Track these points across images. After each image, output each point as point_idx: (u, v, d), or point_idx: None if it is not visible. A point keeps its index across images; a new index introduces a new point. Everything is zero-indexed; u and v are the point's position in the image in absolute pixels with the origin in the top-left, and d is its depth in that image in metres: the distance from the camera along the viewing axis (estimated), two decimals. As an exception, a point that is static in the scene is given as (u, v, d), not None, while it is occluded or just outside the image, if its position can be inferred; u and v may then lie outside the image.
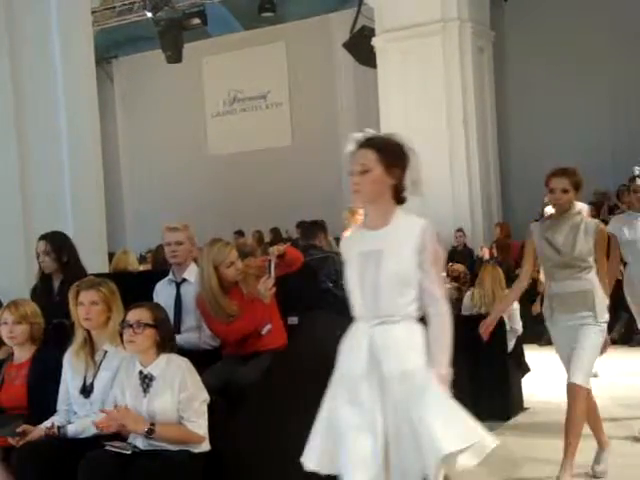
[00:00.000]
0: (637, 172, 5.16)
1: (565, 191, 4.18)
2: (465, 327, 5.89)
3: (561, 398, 6.24)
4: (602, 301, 4.18)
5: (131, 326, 3.32)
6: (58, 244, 4.62)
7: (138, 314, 3.34)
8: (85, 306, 3.57)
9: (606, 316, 4.20)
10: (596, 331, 4.15)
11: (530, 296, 9.19)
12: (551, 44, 12.36)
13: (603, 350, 4.26)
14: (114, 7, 14.09)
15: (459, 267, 7.68)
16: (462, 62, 11.81)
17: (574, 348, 4.17)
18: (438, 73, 11.74)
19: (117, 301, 3.62)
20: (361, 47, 12.54)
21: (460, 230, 11.60)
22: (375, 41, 12.29)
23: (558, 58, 12.28)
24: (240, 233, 13.64)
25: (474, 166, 12.03)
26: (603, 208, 11.79)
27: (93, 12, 10.35)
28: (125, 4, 14.14)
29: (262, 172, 14.89)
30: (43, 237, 4.66)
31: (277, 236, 12.89)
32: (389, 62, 12.07)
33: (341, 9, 14.28)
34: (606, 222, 11.43)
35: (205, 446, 3.40)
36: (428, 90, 11.69)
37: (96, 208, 6.51)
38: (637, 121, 12.08)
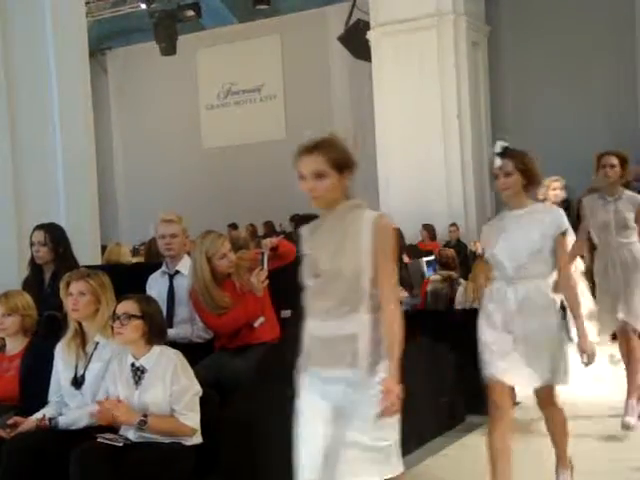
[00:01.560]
0: (498, 149, 3.96)
1: None
2: (457, 321, 5.92)
3: (553, 392, 6.26)
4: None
5: (119, 318, 3.32)
6: (56, 235, 4.62)
7: (125, 306, 3.35)
8: (73, 297, 3.57)
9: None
10: None
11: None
12: (546, 39, 12.36)
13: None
14: (108, -2, 14.04)
15: (449, 252, 7.66)
16: (457, 56, 11.80)
17: None
18: (432, 67, 11.73)
19: (107, 293, 3.61)
20: (356, 40, 12.52)
21: (454, 225, 11.61)
22: (370, 34, 12.28)
23: (553, 53, 12.29)
24: (234, 226, 13.63)
25: (468, 160, 12.04)
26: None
27: (87, 3, 10.31)
28: (119, -5, 14.09)
29: (256, 165, 14.87)
30: (40, 227, 4.66)
31: (270, 229, 12.88)
32: (384, 56, 12.05)
33: (336, 2, 14.25)
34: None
35: (197, 438, 3.40)
36: (422, 84, 11.68)
37: (89, 200, 6.49)
38: (632, 116, 12.11)
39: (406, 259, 9.31)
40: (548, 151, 12.51)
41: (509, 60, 12.88)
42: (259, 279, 3.87)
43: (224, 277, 3.99)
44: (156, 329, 3.40)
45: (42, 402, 3.67)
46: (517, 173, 3.77)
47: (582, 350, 3.52)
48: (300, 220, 5.81)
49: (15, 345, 3.92)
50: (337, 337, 2.59)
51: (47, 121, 6.18)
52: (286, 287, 4.28)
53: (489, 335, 3.68)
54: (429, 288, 6.76)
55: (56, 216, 5.60)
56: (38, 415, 3.56)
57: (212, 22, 15.20)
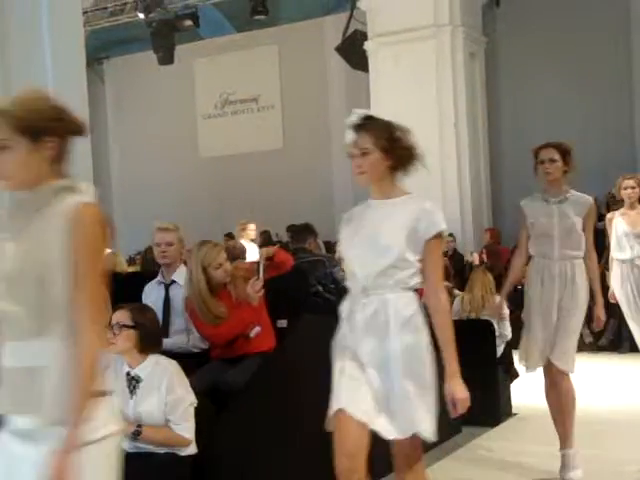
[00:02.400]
0: (353, 119, 2.88)
1: None
2: (454, 332, 5.91)
3: (549, 404, 6.25)
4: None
5: (112, 328, 3.32)
6: None
7: (118, 316, 3.34)
8: None
9: None
10: None
11: (519, 303, 9.26)
12: (543, 50, 12.41)
13: None
14: (106, 8, 14.05)
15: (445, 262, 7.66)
16: (454, 67, 11.83)
17: None
18: (430, 78, 11.76)
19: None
20: (353, 51, 12.55)
21: (450, 235, 11.61)
22: (367, 45, 12.31)
23: (550, 64, 12.33)
24: (230, 236, 13.60)
25: (465, 171, 12.05)
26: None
27: (84, 13, 10.32)
28: (117, 5, 14.10)
29: (253, 175, 14.88)
30: None
31: (267, 239, 12.86)
32: (381, 66, 12.08)
33: (334, 13, 14.29)
34: (595, 229, 11.45)
35: (192, 449, 3.38)
36: (420, 95, 11.70)
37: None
38: (629, 128, 12.15)
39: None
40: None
41: (506, 71, 12.93)
42: (255, 289, 3.86)
43: (220, 287, 3.98)
44: (150, 339, 3.38)
45: None
46: (377, 151, 2.80)
47: (451, 401, 2.87)
48: (296, 230, 5.80)
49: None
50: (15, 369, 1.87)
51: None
52: (282, 297, 4.29)
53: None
54: (422, 300, 6.74)
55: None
56: None
57: (210, 32, 15.23)
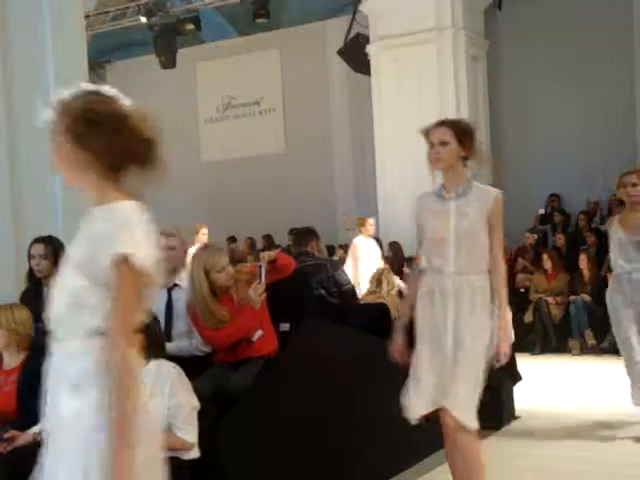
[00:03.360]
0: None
1: None
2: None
3: (553, 407, 6.25)
4: None
5: None
6: (56, 248, 4.59)
7: None
8: None
9: None
10: None
11: (522, 305, 9.25)
12: (545, 53, 12.41)
13: None
14: (108, 12, 14.06)
15: None
16: (456, 70, 11.83)
17: None
18: (432, 81, 11.75)
19: None
20: (355, 54, 12.56)
21: (453, 238, 11.61)
22: (369, 48, 12.31)
23: (552, 67, 12.33)
24: (233, 239, 13.62)
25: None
26: (595, 217, 11.84)
27: (86, 16, 10.33)
28: (119, 9, 14.11)
29: (255, 178, 14.87)
30: (40, 240, 4.62)
31: (270, 242, 12.87)
32: (383, 70, 12.08)
33: (336, 16, 14.30)
34: (598, 231, 11.45)
35: (195, 453, 3.37)
36: (422, 98, 11.70)
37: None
38: (631, 131, 12.14)
39: (407, 271, 9.33)
40: (548, 164, 12.62)
41: (508, 74, 12.92)
42: (257, 292, 3.86)
43: (222, 291, 3.98)
44: (153, 343, 3.37)
45: (39, 416, 3.64)
46: (85, 152, 2.02)
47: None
48: (298, 233, 5.80)
49: (12, 360, 3.89)
50: None
51: (46, 134, 6.16)
52: (285, 300, 4.29)
53: None
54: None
55: (54, 229, 5.58)
56: (35, 429, 3.53)
57: (212, 36, 15.25)
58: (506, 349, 3.36)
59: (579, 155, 12.11)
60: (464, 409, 3.39)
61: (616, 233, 5.16)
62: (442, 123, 3.55)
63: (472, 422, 3.41)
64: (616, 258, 5.15)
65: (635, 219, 5.08)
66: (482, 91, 12.50)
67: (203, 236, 9.19)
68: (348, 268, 8.32)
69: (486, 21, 12.68)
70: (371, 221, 9.27)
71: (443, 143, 3.42)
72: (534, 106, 12.62)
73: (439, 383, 3.38)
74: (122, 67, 16.71)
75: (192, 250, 8.66)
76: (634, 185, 4.98)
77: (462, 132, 3.46)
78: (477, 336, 3.33)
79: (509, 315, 3.46)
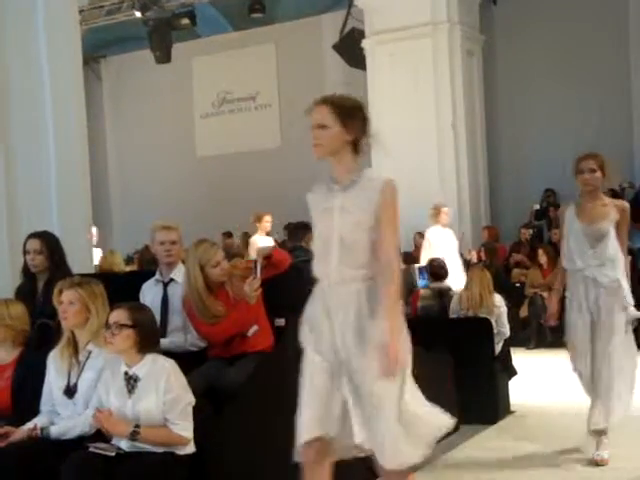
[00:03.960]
0: None
1: None
2: (452, 329, 5.92)
3: (548, 402, 6.27)
4: None
5: (110, 327, 3.31)
6: (51, 243, 4.59)
7: (117, 315, 3.33)
8: (63, 305, 3.56)
9: None
10: None
11: (517, 300, 9.27)
12: (540, 48, 12.41)
13: None
14: (102, 6, 14.01)
15: (439, 261, 7.59)
16: (451, 65, 11.83)
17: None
18: (427, 76, 11.75)
19: (97, 302, 3.58)
20: (351, 49, 12.55)
21: (448, 233, 11.61)
22: (365, 43, 12.30)
23: (547, 62, 12.33)
24: (228, 234, 13.60)
25: (463, 169, 12.05)
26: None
27: (81, 11, 10.30)
28: (114, 3, 14.07)
29: (251, 173, 14.86)
30: (35, 235, 4.62)
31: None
32: (378, 64, 12.07)
33: (331, 11, 14.28)
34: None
35: (190, 448, 3.37)
36: (417, 93, 11.70)
37: (83, 208, 6.47)
38: (626, 124, 12.15)
39: (402, 266, 9.33)
40: (543, 159, 12.63)
41: (504, 69, 12.92)
42: (252, 288, 3.86)
43: (217, 286, 3.98)
44: (148, 338, 3.38)
45: (34, 412, 3.64)
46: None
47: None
48: (293, 228, 5.80)
49: (7, 355, 3.89)
50: None
51: (40, 129, 6.16)
52: (280, 295, 4.28)
53: None
54: (420, 304, 6.71)
55: (49, 224, 5.58)
56: (29, 425, 3.53)
57: (207, 30, 15.21)
58: (390, 364, 2.67)
59: (574, 150, 12.06)
60: (388, 452, 2.74)
61: (572, 224, 4.54)
62: (323, 102, 2.97)
63: (400, 460, 2.76)
64: (572, 253, 4.52)
65: (593, 210, 4.49)
66: (477, 86, 12.50)
67: (267, 224, 9.01)
68: (424, 259, 8.19)
69: (481, 16, 12.67)
70: (446, 209, 9.02)
71: (322, 126, 2.91)
72: (529, 101, 12.62)
73: (334, 418, 2.76)
74: (117, 62, 16.66)
75: (255, 238, 8.58)
76: (592, 171, 4.44)
77: (346, 111, 2.87)
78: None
79: (399, 321, 2.79)
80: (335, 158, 2.91)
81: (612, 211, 4.47)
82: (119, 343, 3.31)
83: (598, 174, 4.47)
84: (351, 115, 2.88)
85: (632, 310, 4.50)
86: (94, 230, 9.03)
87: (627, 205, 4.59)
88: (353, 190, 2.83)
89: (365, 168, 2.95)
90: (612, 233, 4.44)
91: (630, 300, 4.49)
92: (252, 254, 8.42)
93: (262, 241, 8.76)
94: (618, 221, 4.47)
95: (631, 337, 4.57)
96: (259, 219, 8.99)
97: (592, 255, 4.45)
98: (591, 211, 4.49)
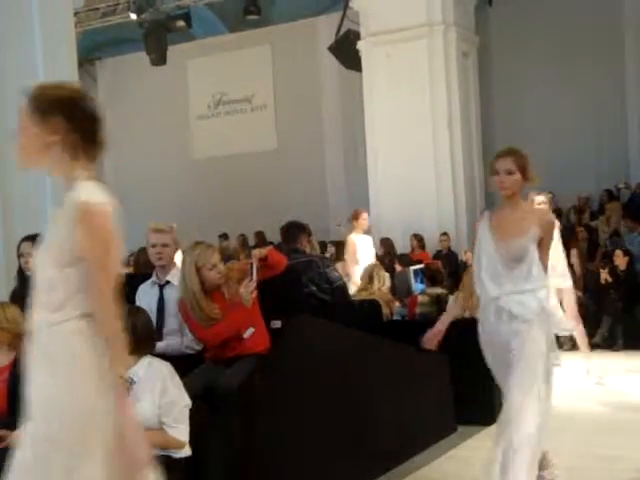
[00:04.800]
0: None
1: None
2: (448, 330, 5.91)
3: (544, 402, 6.26)
4: None
5: None
6: None
7: None
8: None
9: None
10: None
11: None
12: (535, 50, 12.43)
13: None
14: (97, 8, 14.00)
15: (437, 265, 7.53)
16: (447, 66, 11.84)
17: None
18: (423, 77, 11.76)
19: None
20: (346, 51, 12.55)
21: (445, 234, 11.62)
22: (360, 45, 12.31)
23: (542, 64, 12.36)
24: (224, 236, 13.60)
25: (458, 170, 12.06)
26: (585, 214, 11.88)
27: (76, 13, 10.29)
28: (109, 5, 14.06)
29: (247, 175, 14.86)
30: (30, 238, 4.60)
31: (262, 239, 12.85)
32: (374, 66, 12.08)
33: (326, 13, 14.29)
34: (589, 227, 11.45)
35: (186, 451, 3.36)
36: (413, 94, 11.70)
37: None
38: (622, 126, 12.18)
39: (398, 268, 9.31)
40: (538, 159, 12.60)
41: (499, 70, 12.94)
42: (248, 290, 3.85)
43: (213, 288, 3.97)
44: (137, 342, 3.33)
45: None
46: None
47: None
48: (286, 228, 5.74)
49: (2, 358, 3.87)
50: None
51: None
52: (276, 297, 4.28)
53: None
54: (418, 310, 6.68)
55: (43, 227, 5.55)
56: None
57: (202, 32, 15.20)
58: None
59: (570, 151, 12.14)
60: None
61: (484, 239, 3.63)
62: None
63: None
64: (483, 279, 3.61)
65: (510, 223, 3.56)
66: (473, 87, 12.52)
67: (364, 221, 8.36)
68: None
69: (477, 17, 12.69)
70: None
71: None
72: (525, 102, 12.64)
73: None
74: (112, 64, 16.65)
75: (352, 237, 8.26)
76: (509, 173, 3.53)
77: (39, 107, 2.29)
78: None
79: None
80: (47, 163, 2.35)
81: (533, 224, 3.52)
82: None
83: (517, 176, 3.55)
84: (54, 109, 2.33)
85: (555, 356, 3.61)
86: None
87: (552, 218, 3.84)
88: (61, 209, 2.32)
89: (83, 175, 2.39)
90: (533, 252, 3.50)
91: (560, 331, 3.93)
92: (352, 254, 8.10)
93: (360, 240, 8.27)
94: (541, 237, 3.54)
95: (551, 391, 3.52)
96: (356, 217, 8.31)
97: (508, 280, 3.52)
98: (508, 224, 3.56)
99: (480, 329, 3.77)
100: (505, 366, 3.57)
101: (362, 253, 8.23)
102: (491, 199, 12.99)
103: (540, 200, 7.08)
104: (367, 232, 8.63)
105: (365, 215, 8.50)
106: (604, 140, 12.10)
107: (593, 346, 8.59)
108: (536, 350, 3.48)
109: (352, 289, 6.90)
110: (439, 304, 6.54)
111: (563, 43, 12.18)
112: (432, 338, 3.90)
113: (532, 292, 3.53)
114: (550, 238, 3.65)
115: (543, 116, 12.51)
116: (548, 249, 3.62)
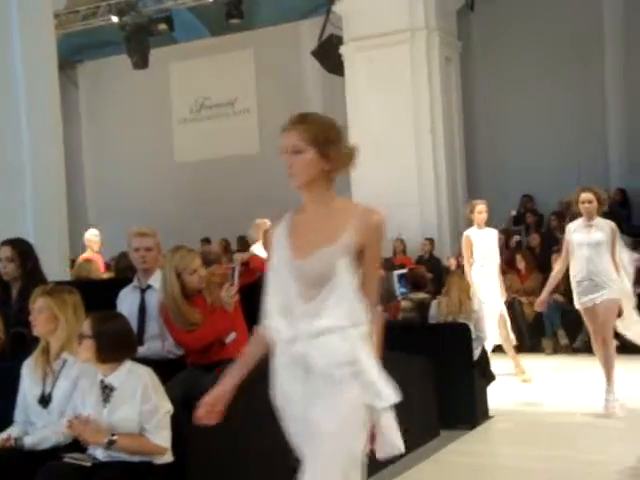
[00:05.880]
0: None
1: None
2: (431, 335, 5.92)
3: (526, 406, 6.30)
4: None
5: (80, 337, 3.31)
6: (24, 250, 4.53)
7: (83, 325, 3.35)
8: (34, 312, 3.55)
9: None
10: None
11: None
12: (517, 54, 12.50)
13: None
14: (78, 11, 13.91)
15: (420, 271, 7.51)
16: (430, 71, 11.88)
17: None
18: (405, 82, 11.79)
19: (67, 310, 3.54)
20: (329, 55, 12.56)
21: (427, 239, 11.65)
22: (343, 49, 12.32)
23: (524, 68, 12.42)
24: (207, 241, 13.54)
25: (441, 175, 12.09)
26: (566, 219, 11.95)
27: (57, 16, 10.20)
28: (90, 8, 13.97)
29: (229, 180, 14.81)
30: (7, 242, 4.55)
31: (244, 244, 12.81)
32: (357, 70, 12.10)
33: (310, 17, 14.29)
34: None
35: (168, 457, 3.33)
36: (395, 99, 11.73)
37: (58, 214, 6.40)
38: (602, 131, 12.27)
39: (381, 272, 9.31)
40: (520, 165, 12.72)
41: (481, 75, 13.00)
42: (229, 294, 3.83)
43: (195, 293, 3.95)
44: (108, 349, 3.29)
45: (8, 422, 3.58)
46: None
47: None
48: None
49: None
50: None
51: (15, 135, 6.09)
52: (259, 302, 4.25)
53: None
54: (401, 316, 6.69)
55: (24, 231, 5.50)
56: (3, 435, 3.47)
57: (185, 36, 15.15)
58: None
59: (552, 156, 12.21)
60: None
61: (280, 256, 2.46)
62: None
63: None
64: (270, 312, 2.47)
65: (311, 226, 2.46)
66: (455, 92, 12.56)
67: (480, 215, 7.43)
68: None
69: (459, 22, 12.75)
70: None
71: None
72: (507, 107, 12.71)
73: None
74: (94, 67, 16.55)
75: (470, 233, 7.51)
76: (296, 152, 2.57)
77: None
78: None
79: None
80: None
81: (347, 227, 2.36)
82: (81, 353, 3.32)
83: (309, 154, 2.46)
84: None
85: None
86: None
87: (380, 218, 2.42)
88: None
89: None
90: (345, 270, 2.33)
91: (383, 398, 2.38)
92: (470, 248, 7.26)
93: (476, 235, 7.31)
94: (362, 246, 2.35)
95: None
96: (472, 209, 7.38)
97: (306, 313, 2.34)
98: (307, 230, 2.43)
99: (273, 386, 2.52)
100: (308, 443, 2.38)
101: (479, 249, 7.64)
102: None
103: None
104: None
105: (481, 207, 7.64)
106: (585, 144, 12.18)
107: (574, 351, 8.66)
108: (347, 427, 2.31)
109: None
110: (422, 310, 6.55)
111: (545, 47, 12.26)
112: (213, 404, 2.66)
113: (342, 331, 2.32)
114: (377, 246, 2.39)
115: (525, 120, 12.57)
116: (375, 266, 2.41)
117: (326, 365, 2.33)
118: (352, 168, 2.49)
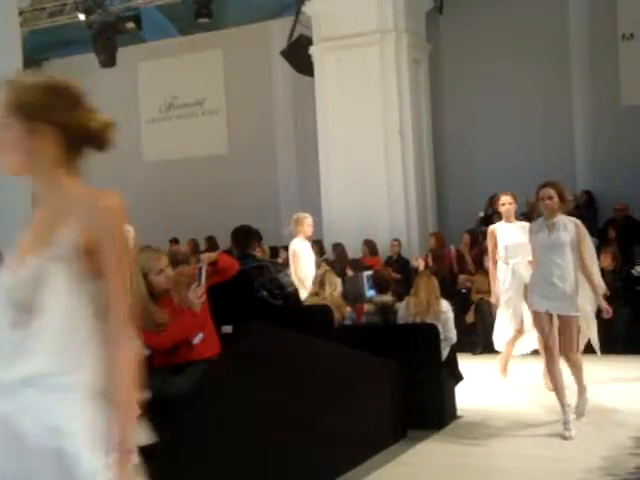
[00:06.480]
0: None
1: None
2: (400, 335, 5.94)
3: (493, 406, 6.34)
4: None
5: None
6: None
7: None
8: None
9: None
10: None
11: (463, 305, 9.37)
12: (485, 56, 12.61)
13: None
14: (44, 8, 13.72)
15: (384, 273, 7.42)
16: (398, 73, 11.92)
17: None
18: (375, 83, 11.82)
19: None
20: (299, 55, 12.54)
21: (396, 240, 11.69)
22: (312, 50, 12.32)
23: (492, 70, 12.54)
24: (175, 241, 13.45)
25: (410, 176, 12.14)
26: (534, 219, 12.07)
27: (22, 13, 10.07)
28: (56, 5, 13.79)
29: (198, 180, 14.73)
30: None
31: (213, 244, 12.75)
32: (326, 71, 12.10)
33: (279, 17, 14.26)
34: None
35: (135, 459, 3.29)
36: (364, 100, 11.76)
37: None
38: (569, 131, 12.43)
39: (350, 273, 9.33)
40: (488, 166, 12.83)
41: (450, 77, 13.09)
42: (196, 295, 3.81)
43: (162, 293, 3.91)
44: None
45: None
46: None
47: None
48: (238, 235, 5.71)
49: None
50: None
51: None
52: (227, 302, 4.23)
53: None
54: (363, 320, 6.63)
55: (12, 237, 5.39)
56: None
57: (153, 35, 15.03)
58: None
59: (519, 156, 12.34)
60: None
61: None
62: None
63: None
64: None
65: (33, 225, 2.00)
66: (424, 93, 12.63)
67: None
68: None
69: (428, 25, 12.82)
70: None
71: None
72: (475, 108, 12.81)
73: None
74: (60, 65, 16.31)
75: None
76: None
77: None
78: None
79: None
80: None
81: (72, 222, 1.88)
82: None
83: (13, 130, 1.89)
84: None
85: None
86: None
87: (110, 204, 1.99)
88: None
89: None
90: (60, 287, 1.81)
91: None
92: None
93: (502, 229, 7.00)
94: (91, 246, 1.87)
95: None
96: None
97: (16, 352, 1.82)
98: (28, 233, 1.97)
99: None
100: None
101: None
102: (442, 203, 13.14)
103: (503, 200, 6.81)
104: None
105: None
106: (551, 144, 12.32)
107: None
108: None
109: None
110: (384, 313, 6.49)
111: (512, 50, 12.38)
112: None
113: (39, 382, 1.78)
114: (115, 247, 1.87)
115: (493, 122, 12.68)
116: (117, 275, 1.87)
117: (41, 433, 1.73)
118: (107, 147, 1.95)
